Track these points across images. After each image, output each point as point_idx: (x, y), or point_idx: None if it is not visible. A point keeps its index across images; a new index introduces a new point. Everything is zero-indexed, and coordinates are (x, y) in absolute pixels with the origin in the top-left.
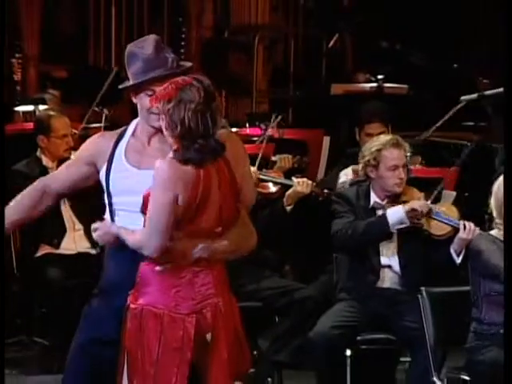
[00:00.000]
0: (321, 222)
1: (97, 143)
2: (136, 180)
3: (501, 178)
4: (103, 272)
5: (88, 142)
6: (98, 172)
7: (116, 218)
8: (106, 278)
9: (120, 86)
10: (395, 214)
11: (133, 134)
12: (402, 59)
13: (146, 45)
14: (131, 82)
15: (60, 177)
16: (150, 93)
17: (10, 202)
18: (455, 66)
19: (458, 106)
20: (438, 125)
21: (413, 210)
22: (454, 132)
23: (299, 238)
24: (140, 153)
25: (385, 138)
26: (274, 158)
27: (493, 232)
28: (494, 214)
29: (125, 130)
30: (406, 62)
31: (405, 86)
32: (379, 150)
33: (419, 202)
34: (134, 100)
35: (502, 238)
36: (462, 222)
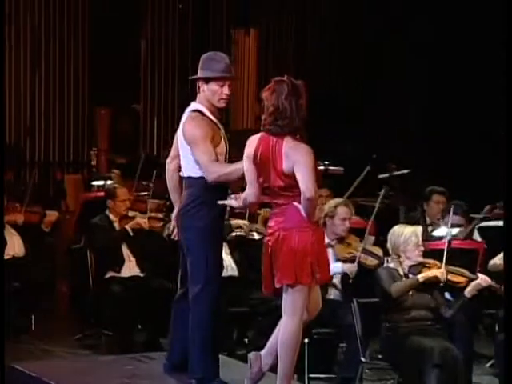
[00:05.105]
0: None
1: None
2: None
3: (392, 229)
4: None
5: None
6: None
7: None
8: None
9: (203, 75)
10: (336, 269)
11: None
12: (340, 152)
13: (225, 57)
14: (218, 75)
15: None
16: (221, 83)
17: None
18: (374, 156)
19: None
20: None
21: (345, 273)
22: (373, 197)
23: None
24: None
25: (339, 200)
26: None
27: (391, 264)
28: (390, 252)
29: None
30: (344, 153)
31: (341, 168)
32: (335, 207)
33: (350, 268)
34: (202, 87)
35: (397, 268)
36: (385, 258)
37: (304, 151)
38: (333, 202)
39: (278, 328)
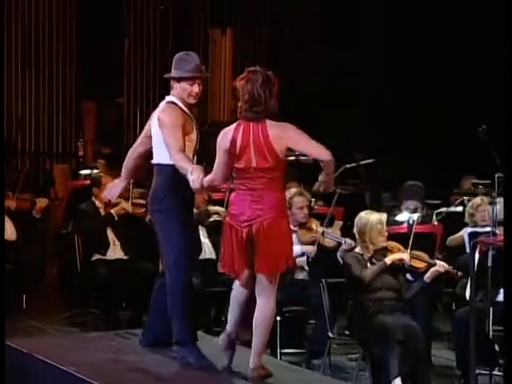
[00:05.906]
0: None
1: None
2: None
3: (359, 216)
4: None
5: (174, 114)
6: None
7: None
8: None
9: (175, 75)
10: (295, 252)
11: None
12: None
13: (196, 57)
14: (189, 75)
15: None
16: (191, 82)
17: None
18: (346, 146)
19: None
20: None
21: (304, 252)
22: (342, 185)
23: None
24: None
25: (294, 190)
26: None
27: (357, 249)
28: (356, 236)
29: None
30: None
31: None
32: (291, 198)
33: (309, 249)
34: (175, 85)
35: (361, 253)
36: (343, 239)
37: (291, 127)
38: (287, 193)
39: (234, 302)
